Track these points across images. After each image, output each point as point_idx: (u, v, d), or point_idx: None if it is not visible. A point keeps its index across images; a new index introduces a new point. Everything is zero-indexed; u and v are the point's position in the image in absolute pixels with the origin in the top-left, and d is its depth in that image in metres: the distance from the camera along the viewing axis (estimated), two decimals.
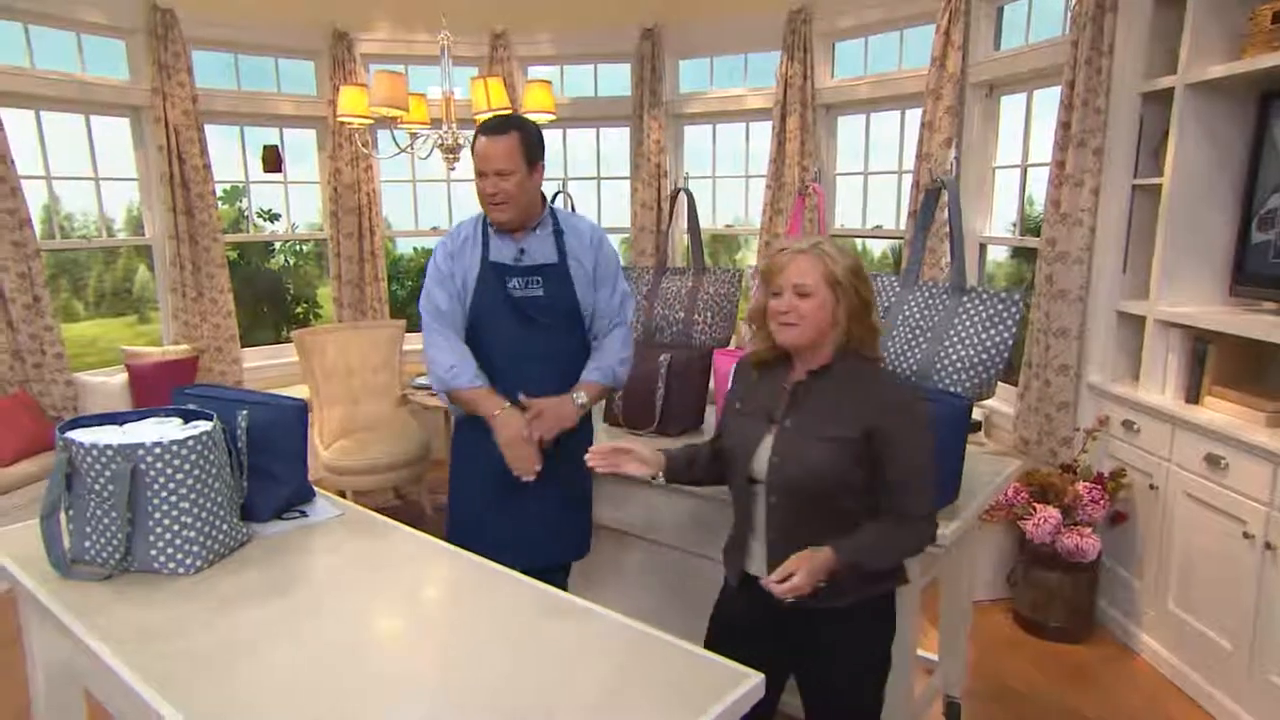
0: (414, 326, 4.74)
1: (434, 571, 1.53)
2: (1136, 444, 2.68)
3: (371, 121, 3.34)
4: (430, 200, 5.37)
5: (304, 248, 6.47)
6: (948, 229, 3.83)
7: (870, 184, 4.61)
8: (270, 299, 6.23)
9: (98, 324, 6.66)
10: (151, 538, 1.45)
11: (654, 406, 2.44)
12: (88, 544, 1.48)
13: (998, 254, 4.30)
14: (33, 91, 3.90)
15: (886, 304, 2.00)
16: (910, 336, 1.90)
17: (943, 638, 2.29)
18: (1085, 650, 2.76)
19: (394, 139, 3.49)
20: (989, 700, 2.48)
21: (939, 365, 1.82)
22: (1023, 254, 3.79)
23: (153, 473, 1.42)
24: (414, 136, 3.42)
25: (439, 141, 3.23)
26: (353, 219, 4.88)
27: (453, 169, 3.36)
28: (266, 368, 4.83)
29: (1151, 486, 2.60)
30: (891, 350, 1.93)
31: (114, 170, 4.35)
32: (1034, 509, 2.72)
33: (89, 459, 1.41)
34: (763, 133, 4.92)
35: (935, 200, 1.99)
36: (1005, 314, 1.76)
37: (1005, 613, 2.97)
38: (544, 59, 5.04)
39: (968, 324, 1.80)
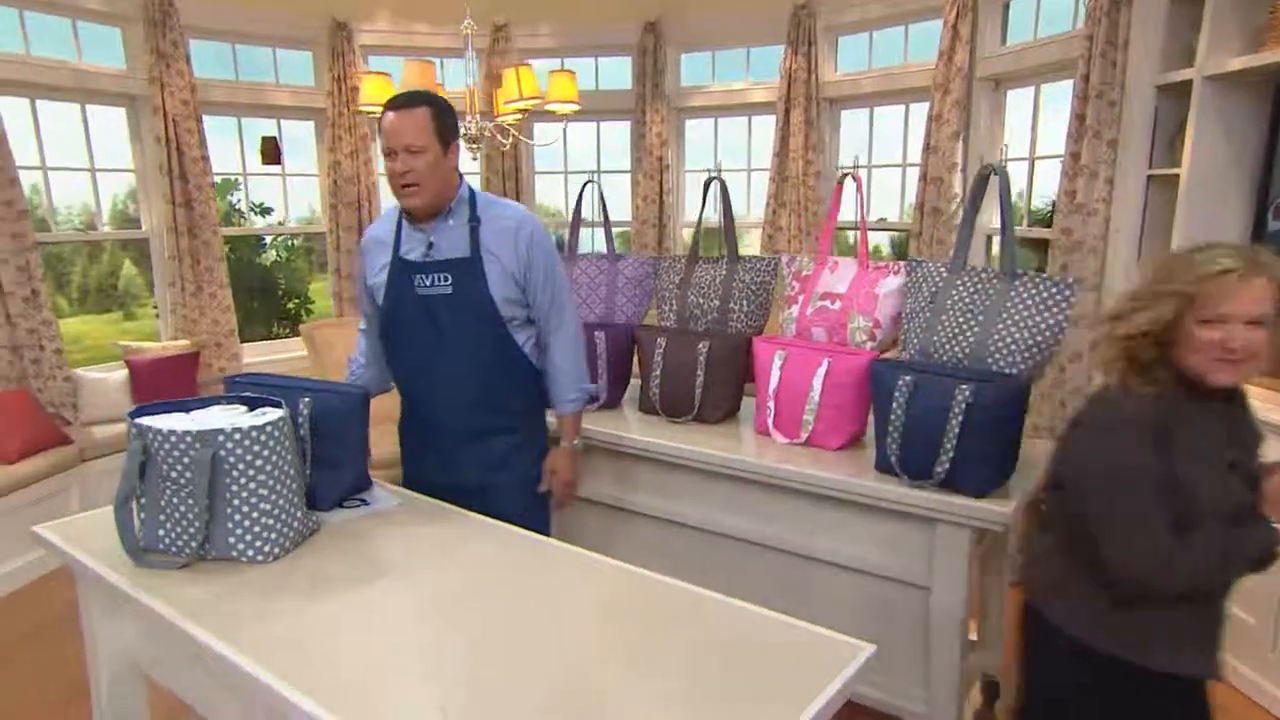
0: None
1: (512, 554, 1.52)
2: None
3: None
4: None
5: (294, 243, 6.38)
6: (958, 220, 3.89)
7: (873, 177, 4.66)
8: (262, 295, 6.12)
9: (82, 320, 6.50)
10: (230, 525, 1.42)
11: (693, 395, 2.45)
12: (161, 532, 1.45)
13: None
14: (29, 79, 3.79)
15: (934, 289, 2.03)
16: (962, 320, 1.93)
17: (983, 618, 2.33)
18: None
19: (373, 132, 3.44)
20: None
21: (992, 348, 1.86)
22: (1029, 244, 3.86)
23: (232, 459, 1.40)
24: None
25: (463, 132, 3.20)
26: (352, 212, 4.81)
27: (475, 159, 3.33)
28: (266, 364, 4.74)
29: None
30: (943, 334, 1.96)
31: (105, 162, 4.24)
32: None
33: (166, 446, 1.39)
34: (764, 126, 4.96)
35: (984, 187, 2.03)
36: (1060, 298, 1.80)
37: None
38: (545, 52, 5.02)
39: (1020, 308, 1.84)
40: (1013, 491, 1.82)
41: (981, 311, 1.90)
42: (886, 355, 2.16)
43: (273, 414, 1.55)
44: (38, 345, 3.75)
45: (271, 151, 4.65)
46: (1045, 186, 3.86)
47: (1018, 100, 3.79)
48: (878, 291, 2.22)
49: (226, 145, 4.67)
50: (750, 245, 6.14)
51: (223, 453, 1.39)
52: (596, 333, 2.62)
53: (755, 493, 2.20)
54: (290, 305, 6.46)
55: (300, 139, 4.90)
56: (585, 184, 2.76)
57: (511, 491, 1.95)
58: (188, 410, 1.58)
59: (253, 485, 1.42)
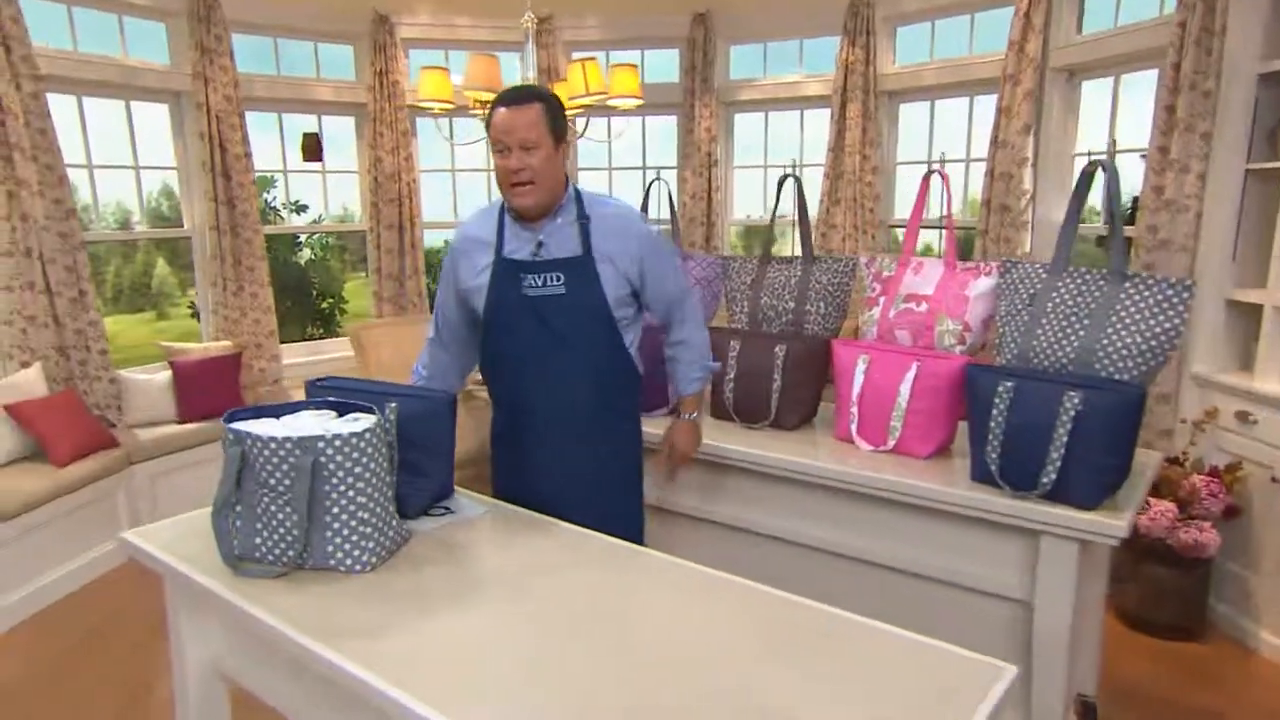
0: None
1: (617, 566, 1.52)
2: (1254, 436, 2.70)
3: (454, 107, 3.33)
4: (469, 190, 5.36)
5: (329, 241, 6.45)
6: (1029, 216, 3.84)
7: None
8: (296, 294, 6.19)
9: (115, 320, 6.62)
10: (329, 533, 1.44)
11: (770, 399, 2.44)
12: (258, 540, 1.47)
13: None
14: (76, 75, 3.87)
15: (1033, 291, 2.00)
16: (1064, 324, 1.90)
17: (1074, 634, 2.29)
18: (1202, 648, 2.77)
19: (438, 127, 3.47)
20: (1118, 698, 2.48)
21: (1100, 353, 1.82)
22: (1106, 243, 3.79)
23: (332, 465, 1.41)
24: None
25: None
26: (393, 209, 4.86)
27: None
28: (306, 365, 4.81)
29: (1274, 479, 2.61)
30: (1044, 338, 1.93)
31: (147, 159, 4.31)
32: (1148, 503, 2.73)
33: (266, 452, 1.40)
34: (817, 121, 4.93)
35: (1089, 184, 1.99)
36: (1176, 300, 1.76)
37: (1106, 609, 2.97)
38: (589, 44, 5.03)
39: (1132, 311, 1.81)
40: (1123, 503, 1.79)
41: (1087, 315, 1.87)
42: (978, 360, 2.13)
43: (367, 420, 1.56)
44: (84, 346, 3.82)
45: (313, 148, 4.71)
46: (1124, 182, 3.79)
47: (1091, 92, 3.73)
48: (968, 293, 2.20)
49: (265, 142, 4.73)
50: (784, 243, 6.10)
51: (323, 459, 1.41)
52: (664, 335, 2.61)
53: (836, 501, 2.19)
54: (324, 305, 6.53)
55: (336, 135, 4.95)
56: (652, 182, 2.76)
57: (614, 500, 1.96)
58: (277, 416, 1.60)
59: (351, 493, 1.43)
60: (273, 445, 1.40)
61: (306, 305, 6.46)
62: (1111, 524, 1.71)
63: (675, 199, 5.23)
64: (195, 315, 4.77)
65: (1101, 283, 1.88)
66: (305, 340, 5.87)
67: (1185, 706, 2.48)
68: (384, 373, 4.07)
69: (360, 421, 1.55)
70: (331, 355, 4.93)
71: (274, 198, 5.12)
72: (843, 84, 4.54)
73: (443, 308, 2.04)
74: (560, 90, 3.29)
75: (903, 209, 4.79)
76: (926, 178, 2.37)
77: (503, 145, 1.78)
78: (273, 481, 1.42)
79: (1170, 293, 1.77)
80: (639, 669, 1.17)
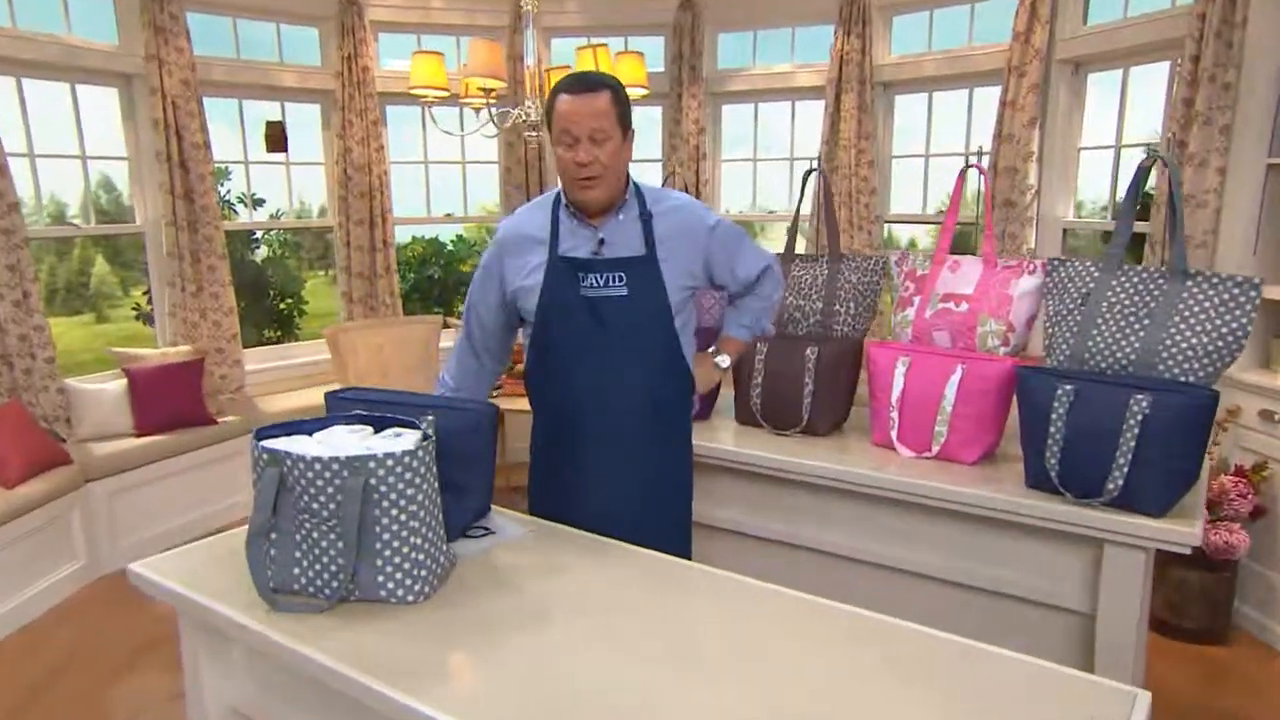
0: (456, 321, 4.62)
1: (692, 588, 1.46)
2: (1279, 435, 2.76)
3: (449, 94, 3.23)
4: (443, 184, 5.24)
5: (287, 237, 6.25)
6: (1034, 212, 3.88)
7: (930, 166, 4.65)
8: (252, 295, 5.98)
9: (52, 324, 6.31)
10: (379, 562, 1.35)
11: (801, 404, 2.41)
12: (297, 571, 1.38)
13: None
14: (15, 55, 3.66)
15: (1085, 290, 2.01)
16: (1123, 324, 1.91)
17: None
18: (1228, 652, 2.83)
19: (432, 117, 3.37)
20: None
21: (1164, 354, 1.83)
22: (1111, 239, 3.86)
23: (384, 488, 1.33)
24: (478, 108, 3.29)
25: (523, 118, 3.13)
26: (364, 204, 4.72)
27: (531, 144, 3.26)
28: (271, 371, 4.64)
29: None
30: (1099, 340, 1.94)
31: (91, 148, 4.11)
32: None
33: (310, 474, 1.32)
34: (809, 112, 4.94)
35: (1145, 178, 2.00)
36: (1243, 299, 1.78)
37: None
38: (571, 30, 4.96)
39: (1196, 310, 1.82)
40: (1190, 509, 1.80)
41: (1147, 315, 1.88)
42: (1024, 361, 2.13)
43: (412, 435, 1.48)
44: (29, 354, 3.62)
45: (277, 137, 4.55)
46: (1127, 177, 3.86)
47: (1095, 85, 3.79)
48: (1011, 292, 2.20)
49: (221, 131, 4.54)
50: (764, 239, 6.09)
51: (373, 480, 1.32)
52: None
53: (877, 510, 2.17)
54: (283, 306, 6.31)
55: (299, 125, 4.78)
56: (668, 176, 2.71)
57: (663, 517, 1.90)
58: (310, 432, 1.51)
59: (404, 517, 1.35)
60: (317, 466, 1.31)
61: (263, 306, 6.24)
62: (1183, 532, 1.71)
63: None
64: (141, 318, 4.56)
65: (1161, 281, 1.89)
66: (262, 344, 5.68)
67: (1213, 710, 2.52)
68: (358, 377, 3.95)
69: (405, 438, 1.48)
70: (298, 360, 4.77)
71: (227, 191, 4.91)
72: (837, 75, 4.54)
73: (477, 309, 1.95)
74: (549, 77, 3.21)
75: (899, 204, 4.82)
76: (963, 172, 2.37)
77: (570, 137, 1.72)
78: (316, 506, 1.33)
79: (1236, 291, 1.79)
80: (766, 706, 1.12)
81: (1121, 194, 4.20)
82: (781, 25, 4.89)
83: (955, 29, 4.35)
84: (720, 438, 2.43)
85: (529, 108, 3.11)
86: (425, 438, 1.44)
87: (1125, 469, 1.76)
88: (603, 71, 1.88)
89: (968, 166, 2.35)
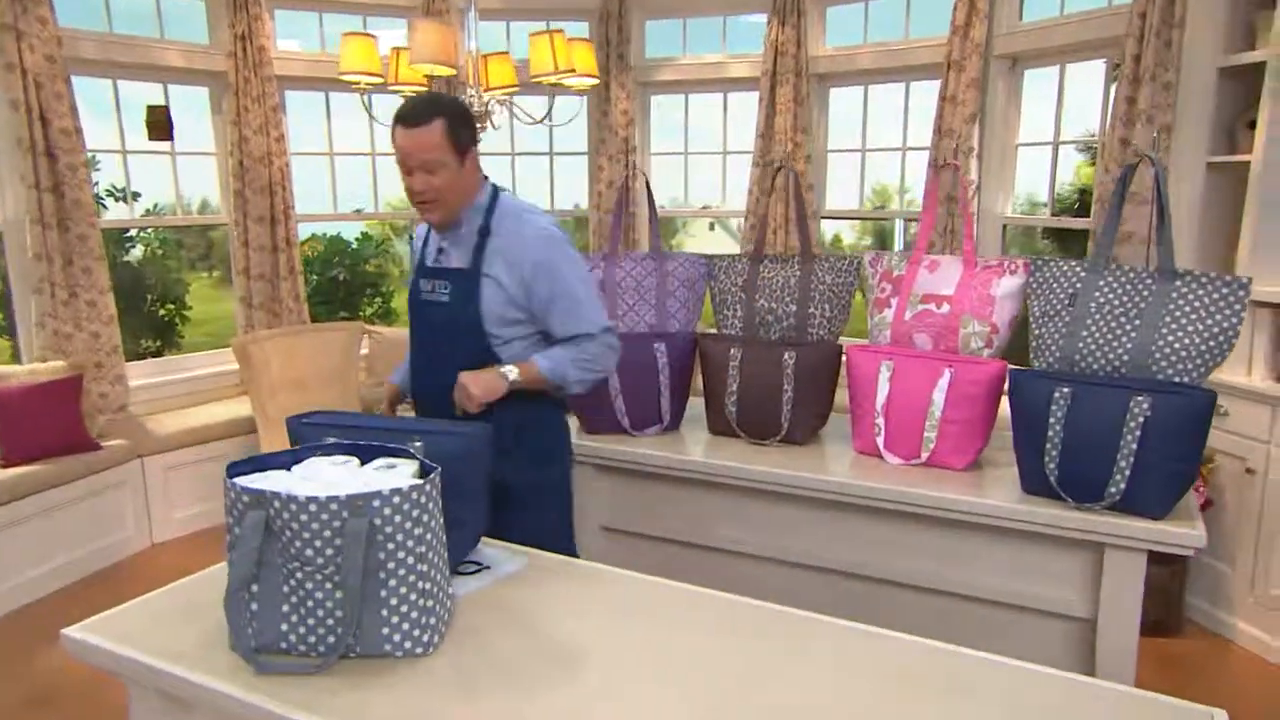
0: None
1: (703, 618, 1.42)
2: (1225, 428, 2.94)
3: (382, 81, 3.04)
4: (349, 177, 5.00)
5: (165, 236, 5.82)
6: (975, 208, 4.03)
7: (868, 162, 4.76)
8: (127, 300, 5.55)
9: None
10: (384, 611, 1.24)
11: (780, 412, 2.40)
12: (285, 627, 1.25)
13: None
14: None
15: (1072, 290, 2.07)
16: (1113, 325, 1.97)
17: None
18: (1181, 643, 2.99)
19: (364, 104, 3.19)
20: None
21: (1157, 354, 1.91)
22: (1052, 235, 4.05)
23: (389, 529, 1.22)
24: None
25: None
26: (263, 200, 4.45)
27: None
28: (160, 386, 4.31)
29: (1248, 470, 2.86)
30: (1090, 341, 2.00)
31: None
32: None
33: (303, 517, 1.19)
34: (742, 104, 4.97)
35: (1131, 176, 2.08)
36: (1232, 299, 1.87)
37: None
38: (493, 13, 4.82)
39: (1186, 310, 1.90)
40: (1188, 510, 1.88)
41: (1137, 315, 1.95)
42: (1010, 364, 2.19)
43: (407, 467, 1.38)
44: None
45: (161, 124, 4.22)
46: (1064, 172, 4.06)
47: (1033, 81, 3.97)
48: (993, 293, 2.25)
49: (89, 117, 4.18)
50: (685, 236, 6.13)
51: (378, 521, 1.22)
52: (655, 344, 2.52)
53: (866, 521, 2.18)
54: (162, 313, 5.87)
55: (183, 110, 4.46)
56: (628, 173, 2.65)
57: (512, 531, 1.80)
58: (285, 466, 1.38)
59: (411, 560, 1.25)
60: (312, 508, 1.19)
61: (140, 313, 5.79)
62: (1186, 534, 1.79)
63: (590, 188, 5.11)
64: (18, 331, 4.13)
65: (1149, 281, 1.97)
66: (139, 356, 5.28)
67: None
68: (273, 393, 3.71)
69: (401, 469, 1.37)
70: (189, 374, 4.45)
71: (95, 183, 4.52)
72: (772, 66, 4.59)
73: None
74: (488, 66, 3.10)
75: (835, 199, 4.92)
76: (938, 169, 2.41)
77: (405, 166, 1.87)
78: (310, 553, 1.21)
79: (1226, 291, 1.88)
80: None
81: (1061, 190, 4.43)
82: (712, 14, 4.90)
83: (891, 21, 4.47)
84: (690, 449, 2.40)
85: (471, 99, 2.99)
86: (426, 469, 1.34)
87: (1127, 472, 1.82)
88: (436, 95, 1.97)
89: (943, 165, 2.39)
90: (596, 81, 3.27)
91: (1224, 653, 2.94)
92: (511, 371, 1.91)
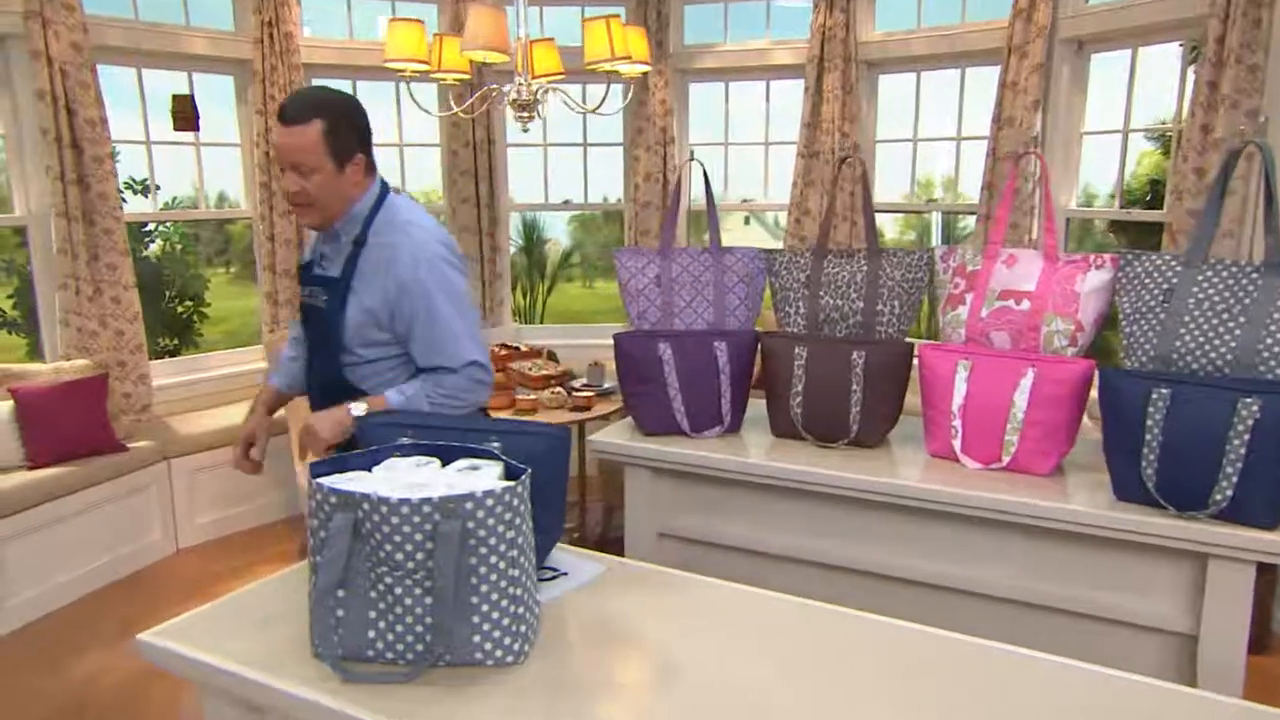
0: None
1: (791, 624, 1.41)
2: None
3: (429, 68, 3.06)
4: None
5: (183, 229, 5.87)
6: (1037, 201, 4.00)
7: (919, 152, 4.74)
8: (147, 297, 5.62)
9: None
10: (476, 618, 1.24)
11: (848, 413, 2.39)
12: (373, 634, 1.26)
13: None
14: None
15: (1167, 286, 2.05)
16: (1214, 322, 1.95)
17: None
18: (1269, 660, 2.95)
19: (410, 93, 3.22)
20: None
21: (1264, 354, 1.88)
22: (1121, 228, 4.01)
23: (482, 531, 1.22)
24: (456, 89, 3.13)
25: (513, 97, 3.00)
26: None
27: (525, 130, 3.14)
28: (179, 388, 4.35)
29: None
30: (1189, 340, 1.97)
31: None
32: None
33: (394, 519, 1.20)
34: (786, 93, 4.96)
35: (1235, 164, 2.06)
36: None
37: None
38: None
39: None
40: None
41: (1241, 312, 1.93)
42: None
43: (491, 468, 1.38)
44: None
45: (186, 114, 4.26)
46: (1130, 163, 4.01)
47: (1099, 67, 3.93)
48: (1078, 289, 2.22)
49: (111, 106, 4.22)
50: (730, 232, 6.11)
51: (471, 524, 1.22)
52: (715, 343, 2.51)
53: (937, 528, 2.17)
54: (180, 310, 5.92)
55: (207, 99, 4.50)
56: (688, 159, 2.65)
57: None
58: (365, 468, 1.39)
59: (502, 565, 1.25)
60: (404, 510, 1.19)
61: (157, 310, 5.84)
62: None
63: (626, 181, 5.11)
64: (10, 327, 4.19)
65: (1255, 275, 1.94)
66: (158, 355, 5.34)
67: None
68: None
69: (485, 471, 1.37)
70: (213, 373, 4.49)
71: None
72: (819, 52, 4.57)
73: None
74: (536, 53, 3.10)
75: (884, 192, 4.89)
76: (1017, 159, 2.39)
77: (280, 164, 1.89)
78: (399, 557, 1.22)
79: None
80: None
81: (1129, 181, 4.38)
82: None
83: (946, 4, 4.44)
84: (753, 452, 2.40)
85: (520, 89, 2.99)
86: (513, 471, 1.34)
87: (1234, 478, 1.80)
88: (322, 93, 1.89)
89: (1024, 154, 2.37)
90: (649, 68, 3.27)
91: None
92: (358, 408, 1.83)
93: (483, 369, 1.95)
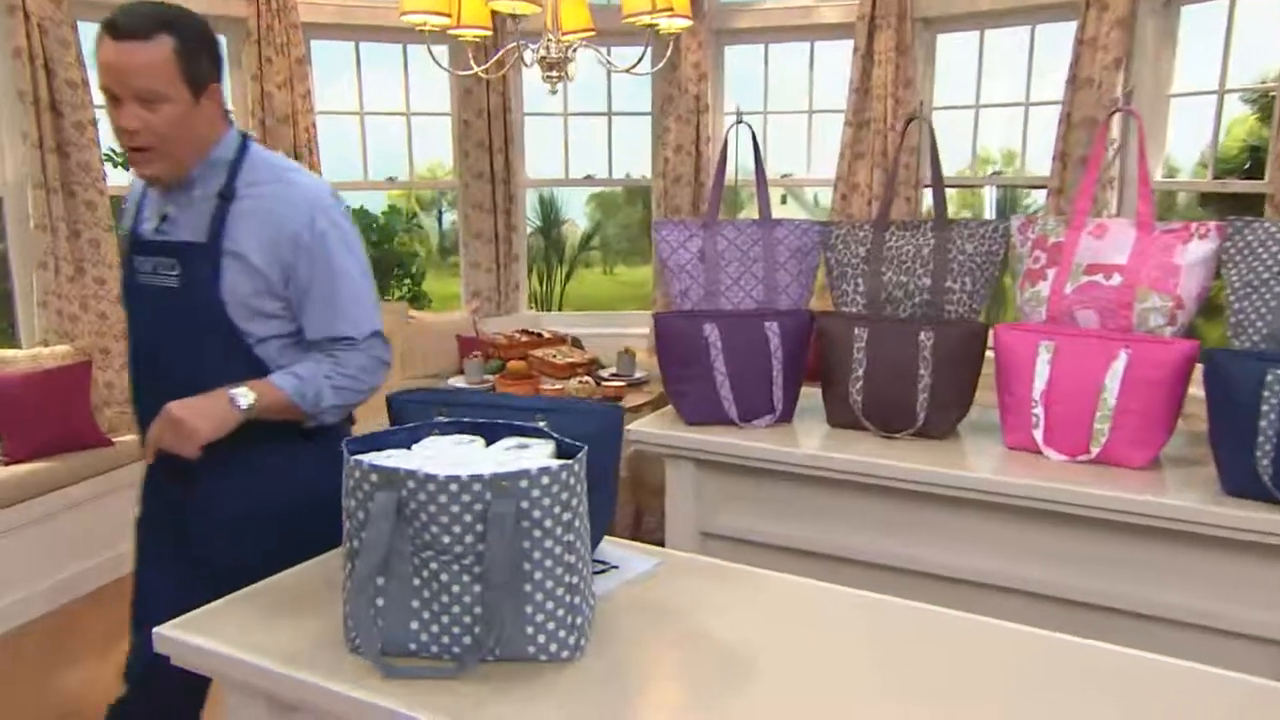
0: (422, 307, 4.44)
1: (859, 619, 1.42)
2: None
3: (450, 22, 3.07)
4: (381, 140, 5.05)
5: None
6: (1116, 171, 3.97)
7: (981, 117, 4.72)
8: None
9: None
10: (530, 609, 1.25)
11: (914, 401, 2.38)
12: (416, 625, 1.26)
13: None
14: None
15: None
16: None
17: None
18: None
19: (430, 52, 3.24)
20: None
21: None
22: (1211, 200, 3.99)
23: (537, 513, 1.23)
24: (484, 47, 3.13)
25: (542, 55, 3.00)
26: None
27: (554, 91, 3.15)
28: None
29: None
30: None
31: None
32: None
33: (442, 498, 1.20)
34: (830, 56, 4.94)
35: None
36: None
37: None
38: None
39: None
40: None
41: None
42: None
43: (542, 446, 1.39)
44: None
45: None
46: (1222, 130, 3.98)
47: (1190, 19, 3.90)
48: (1178, 261, 2.20)
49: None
50: (777, 206, 6.10)
51: (525, 504, 1.22)
52: (767, 323, 2.51)
53: (1022, 526, 2.15)
54: None
55: None
56: (734, 123, 2.65)
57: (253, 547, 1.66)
58: (405, 445, 1.40)
59: (558, 550, 1.25)
60: (453, 488, 1.20)
61: None
62: None
63: (654, 154, 5.11)
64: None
65: None
66: None
67: None
68: None
69: (535, 449, 1.38)
70: None
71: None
72: (870, 9, 4.56)
73: None
74: (569, 10, 3.09)
75: (948, 164, 4.86)
76: (1107, 119, 2.37)
77: (110, 91, 1.61)
78: (447, 540, 1.22)
79: None
80: None
81: (1220, 149, 4.35)
82: None
83: None
84: (809, 443, 2.39)
85: (549, 47, 2.98)
86: (566, 449, 1.35)
87: None
88: (166, 6, 1.65)
89: (1114, 111, 2.36)
90: (690, 23, 3.27)
91: None
92: (245, 396, 1.65)
93: (385, 344, 1.83)
